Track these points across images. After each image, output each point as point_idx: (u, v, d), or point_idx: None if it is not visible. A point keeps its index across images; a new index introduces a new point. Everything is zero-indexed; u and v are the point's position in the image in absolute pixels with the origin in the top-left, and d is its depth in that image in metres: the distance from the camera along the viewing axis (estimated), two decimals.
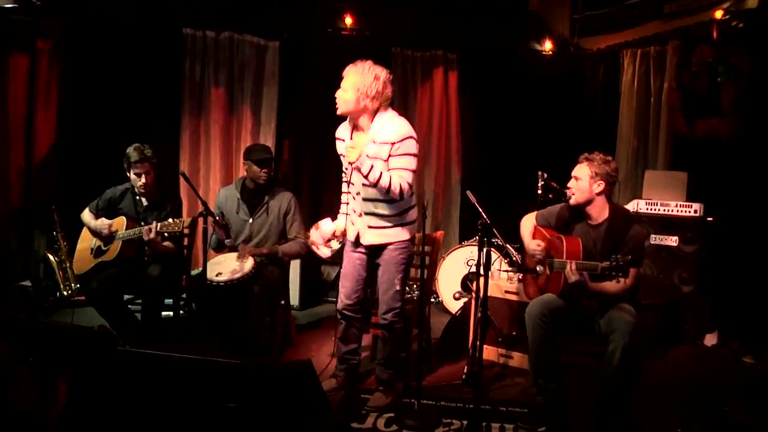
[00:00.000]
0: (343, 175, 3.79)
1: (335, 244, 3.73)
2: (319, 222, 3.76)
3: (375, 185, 3.36)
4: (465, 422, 3.46)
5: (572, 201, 3.58)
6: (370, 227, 3.55)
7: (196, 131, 6.06)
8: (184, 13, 5.84)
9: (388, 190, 3.37)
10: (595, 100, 6.48)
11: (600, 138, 5.93)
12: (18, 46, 5.47)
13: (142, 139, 4.32)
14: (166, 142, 5.78)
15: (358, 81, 3.41)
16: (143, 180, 4.21)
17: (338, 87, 3.51)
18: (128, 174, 4.27)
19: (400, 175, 3.39)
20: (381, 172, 3.35)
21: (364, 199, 3.53)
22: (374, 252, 3.64)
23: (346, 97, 3.44)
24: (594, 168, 3.51)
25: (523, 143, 6.40)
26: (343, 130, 3.67)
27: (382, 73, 3.46)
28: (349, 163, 3.39)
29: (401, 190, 3.38)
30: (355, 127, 3.58)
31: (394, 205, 3.52)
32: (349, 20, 6.02)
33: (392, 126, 3.45)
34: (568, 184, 3.60)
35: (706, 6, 5.33)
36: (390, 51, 6.40)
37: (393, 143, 3.40)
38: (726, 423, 3.54)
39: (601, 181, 3.51)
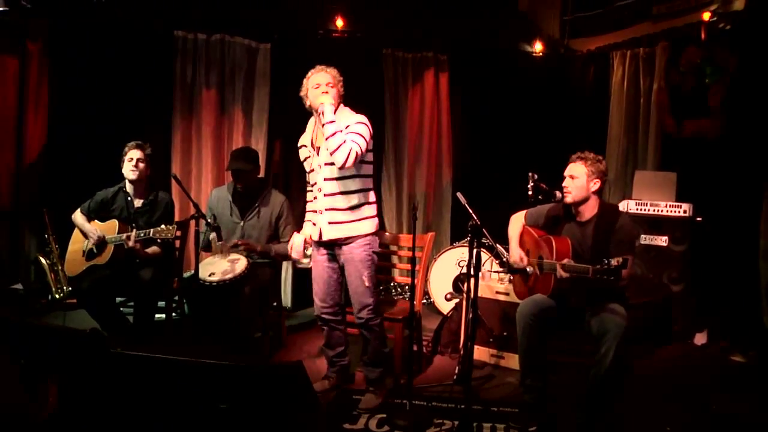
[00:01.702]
0: (307, 184, 3.86)
1: (309, 251, 3.87)
2: (291, 241, 3.89)
3: (332, 137, 3.44)
4: (456, 422, 3.48)
5: (569, 199, 3.58)
6: (330, 223, 3.61)
7: (187, 133, 6.06)
8: (175, 15, 5.83)
9: (339, 149, 3.43)
10: (585, 101, 6.52)
11: (590, 138, 5.97)
12: (7, 48, 5.45)
13: (133, 141, 4.33)
14: (157, 143, 5.73)
15: (332, 79, 3.59)
16: (134, 164, 4.24)
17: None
18: (122, 167, 4.29)
19: (351, 144, 3.46)
20: (340, 130, 3.48)
21: (326, 195, 3.60)
22: (338, 250, 3.70)
23: (333, 93, 3.56)
24: (590, 167, 3.55)
25: (514, 144, 6.44)
26: (305, 138, 3.77)
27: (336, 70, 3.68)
28: (320, 105, 3.51)
29: (348, 156, 3.43)
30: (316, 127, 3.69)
31: (352, 197, 3.59)
32: (340, 22, 6.05)
33: (350, 118, 3.59)
34: (564, 183, 3.61)
35: (694, 8, 5.39)
36: (381, 52, 6.44)
37: (347, 126, 3.52)
38: (714, 418, 3.58)
39: (597, 180, 3.55)
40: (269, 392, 2.04)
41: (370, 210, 3.68)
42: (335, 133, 3.44)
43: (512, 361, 4.32)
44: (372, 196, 3.71)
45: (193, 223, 3.78)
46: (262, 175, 4.55)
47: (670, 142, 5.72)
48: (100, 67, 5.66)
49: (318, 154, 3.62)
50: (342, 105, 3.65)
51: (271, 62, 6.10)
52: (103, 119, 5.64)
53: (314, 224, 3.73)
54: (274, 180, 6.18)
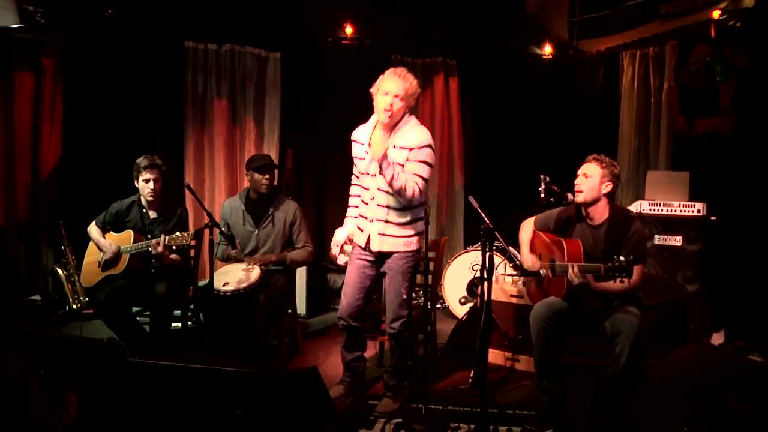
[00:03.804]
0: (354, 178, 3.81)
1: (348, 249, 3.77)
2: (335, 235, 3.80)
3: (390, 183, 3.37)
4: (472, 426, 3.49)
5: (579, 199, 3.58)
6: (380, 234, 3.55)
7: (199, 143, 6.11)
8: (185, 26, 5.89)
9: (401, 191, 3.38)
10: (596, 102, 6.52)
11: (601, 140, 5.96)
12: (23, 64, 5.55)
13: (146, 152, 4.37)
14: (169, 154, 5.82)
15: (404, 89, 3.41)
16: (151, 186, 4.25)
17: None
18: (136, 183, 4.32)
19: (413, 180, 3.42)
20: (398, 172, 3.37)
21: (378, 205, 3.54)
22: (381, 259, 3.66)
23: (397, 105, 3.40)
24: (604, 168, 3.55)
25: (525, 146, 6.44)
26: (361, 133, 3.65)
27: (416, 80, 3.51)
28: (376, 160, 3.35)
29: (413, 194, 3.41)
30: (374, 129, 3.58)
31: (406, 213, 3.54)
32: (349, 29, 6.07)
33: (414, 133, 3.47)
34: (576, 181, 3.61)
35: (703, 6, 5.37)
36: (390, 58, 6.44)
37: (411, 149, 3.43)
38: (732, 419, 3.55)
39: (610, 183, 3.55)
40: (285, 399, 2.06)
41: (421, 225, 3.61)
42: (393, 176, 3.34)
43: (527, 364, 4.31)
44: (424, 212, 3.63)
45: (207, 232, 3.80)
46: (275, 183, 4.59)
47: (682, 141, 5.70)
48: (113, 79, 5.74)
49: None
50: (407, 115, 3.51)
51: (282, 71, 6.14)
52: (117, 131, 5.71)
53: (361, 229, 3.66)
54: (287, 189, 6.21)
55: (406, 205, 3.51)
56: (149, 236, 4.26)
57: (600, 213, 3.60)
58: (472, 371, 4.16)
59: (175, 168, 5.93)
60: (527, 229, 3.89)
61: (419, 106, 6.55)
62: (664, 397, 3.90)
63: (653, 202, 5.27)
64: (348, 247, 3.78)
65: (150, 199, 4.32)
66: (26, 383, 2.26)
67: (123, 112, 5.77)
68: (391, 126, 3.46)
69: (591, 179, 3.56)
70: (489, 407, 3.49)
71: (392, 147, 3.43)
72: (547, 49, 6.59)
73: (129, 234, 4.29)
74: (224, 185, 6.13)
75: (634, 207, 5.29)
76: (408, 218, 3.55)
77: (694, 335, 5.03)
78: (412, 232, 3.58)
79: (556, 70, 6.64)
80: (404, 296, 3.61)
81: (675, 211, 5.17)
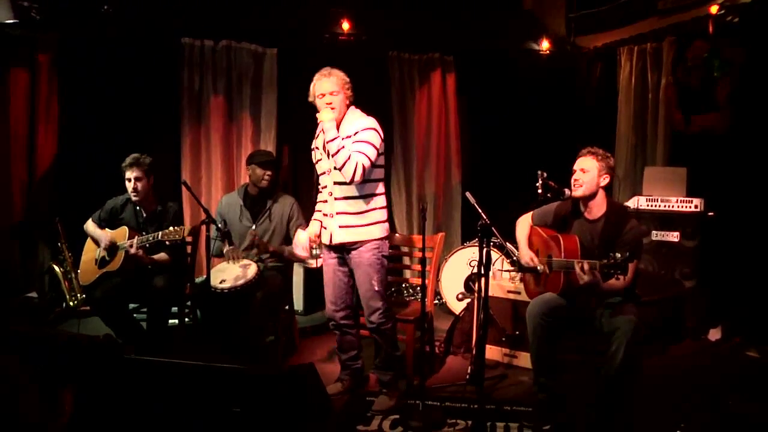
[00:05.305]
0: (319, 186, 3.85)
1: (316, 250, 3.80)
2: (294, 239, 3.85)
3: (336, 154, 3.45)
4: (470, 422, 3.48)
5: (579, 193, 3.58)
6: (341, 226, 3.60)
7: (196, 140, 6.09)
8: (181, 22, 5.86)
9: (345, 166, 3.43)
10: (593, 98, 6.51)
11: (598, 135, 5.94)
12: (18, 60, 5.51)
13: (143, 149, 4.37)
14: (167, 151, 5.81)
15: (336, 84, 3.55)
16: (133, 185, 4.26)
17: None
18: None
19: (356, 157, 3.46)
20: (343, 146, 3.46)
21: (336, 198, 3.60)
22: (347, 254, 3.69)
23: (339, 99, 3.55)
24: (601, 161, 3.56)
25: (522, 142, 6.43)
26: (317, 140, 3.76)
27: (341, 72, 3.64)
28: (321, 123, 3.51)
29: (355, 170, 3.44)
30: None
31: (361, 202, 3.58)
32: (345, 25, 6.05)
33: (357, 121, 3.58)
34: (574, 177, 3.60)
35: (701, 1, 5.35)
36: (387, 55, 6.44)
37: (355, 133, 3.51)
38: (729, 416, 3.55)
39: (607, 175, 3.57)
40: (282, 395, 2.06)
41: (381, 214, 3.66)
42: (339, 149, 3.44)
43: (525, 360, 4.30)
44: (383, 201, 3.69)
45: (204, 228, 3.80)
46: (275, 179, 4.58)
47: (679, 137, 5.69)
48: (109, 76, 5.71)
49: (329, 158, 3.59)
50: (353, 107, 3.65)
51: (278, 67, 6.12)
52: (113, 128, 5.68)
53: (325, 228, 3.72)
54: (284, 186, 6.20)
55: (360, 193, 3.56)
56: (144, 233, 4.25)
57: (598, 207, 3.60)
58: (469, 367, 4.16)
59: (172, 165, 5.91)
60: (524, 225, 3.89)
61: (415, 103, 6.55)
62: (662, 394, 3.90)
63: (651, 197, 5.26)
64: (315, 250, 3.82)
65: (134, 198, 4.31)
66: (24, 383, 2.26)
67: (119, 109, 5.74)
68: (339, 121, 3.57)
69: (589, 173, 3.56)
70: (486, 403, 3.49)
71: (340, 139, 3.51)
72: (545, 45, 6.57)
73: (124, 230, 4.28)
74: (221, 182, 6.11)
75: (632, 203, 5.28)
76: (365, 207, 3.59)
77: (691, 331, 5.03)
78: (371, 221, 3.61)
79: (554, 66, 6.62)
80: (376, 288, 3.63)
81: (672, 206, 5.17)
